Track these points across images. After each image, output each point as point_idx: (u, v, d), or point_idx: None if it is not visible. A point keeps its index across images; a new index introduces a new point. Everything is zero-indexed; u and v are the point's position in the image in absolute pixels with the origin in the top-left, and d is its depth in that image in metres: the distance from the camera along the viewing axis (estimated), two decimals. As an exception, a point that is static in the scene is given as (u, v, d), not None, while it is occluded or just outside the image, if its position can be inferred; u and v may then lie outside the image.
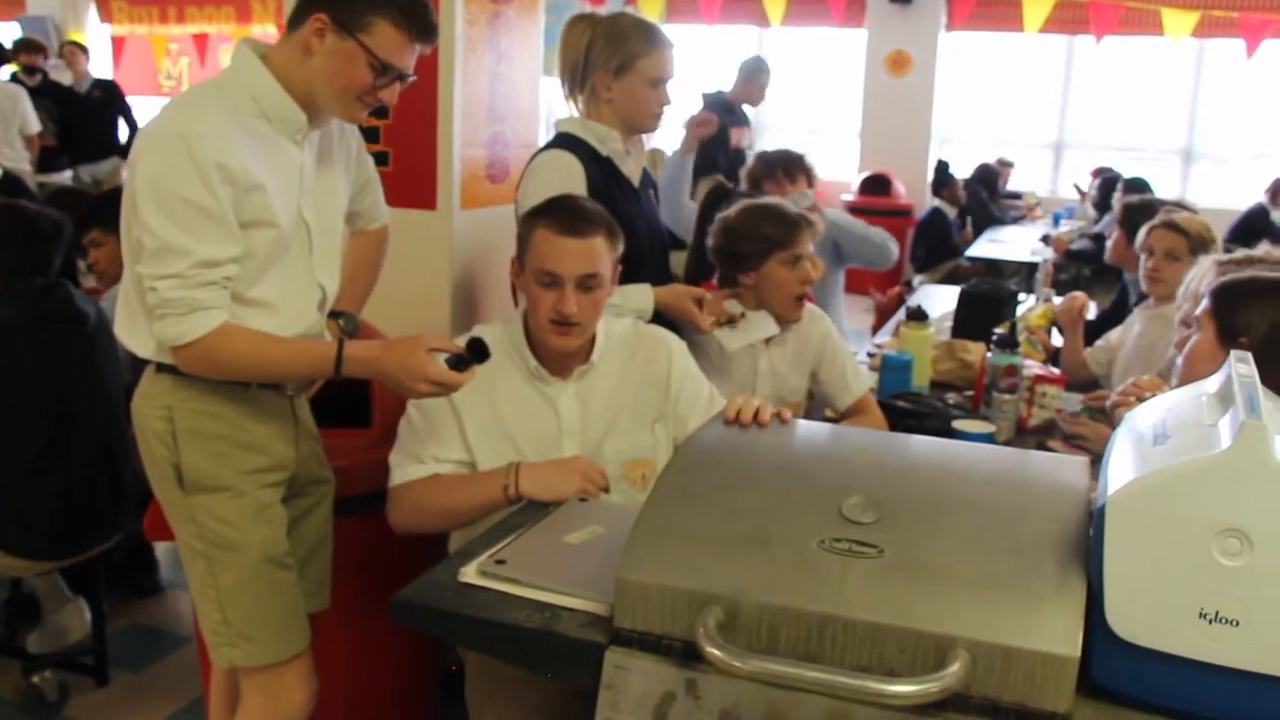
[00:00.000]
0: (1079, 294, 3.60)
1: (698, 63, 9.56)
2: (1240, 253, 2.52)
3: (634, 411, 2.24)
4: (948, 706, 1.25)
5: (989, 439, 2.54)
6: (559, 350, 2.17)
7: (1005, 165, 9.54)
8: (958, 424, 2.60)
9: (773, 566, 1.34)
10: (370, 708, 2.58)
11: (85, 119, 8.16)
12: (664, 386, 2.27)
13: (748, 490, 1.48)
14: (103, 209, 3.42)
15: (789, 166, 4.33)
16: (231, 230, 1.82)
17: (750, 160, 4.06)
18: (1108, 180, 7.53)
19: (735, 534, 1.39)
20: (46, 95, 7.92)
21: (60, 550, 2.87)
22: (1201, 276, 2.43)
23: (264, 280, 1.93)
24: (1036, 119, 10.24)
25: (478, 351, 1.94)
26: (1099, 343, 3.54)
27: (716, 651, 1.28)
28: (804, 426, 1.78)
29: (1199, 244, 3.26)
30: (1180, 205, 4.01)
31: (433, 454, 2.14)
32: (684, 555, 1.38)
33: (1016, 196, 9.42)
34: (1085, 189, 8.70)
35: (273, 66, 1.91)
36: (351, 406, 2.45)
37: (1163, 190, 7.17)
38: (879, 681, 1.24)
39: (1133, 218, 3.84)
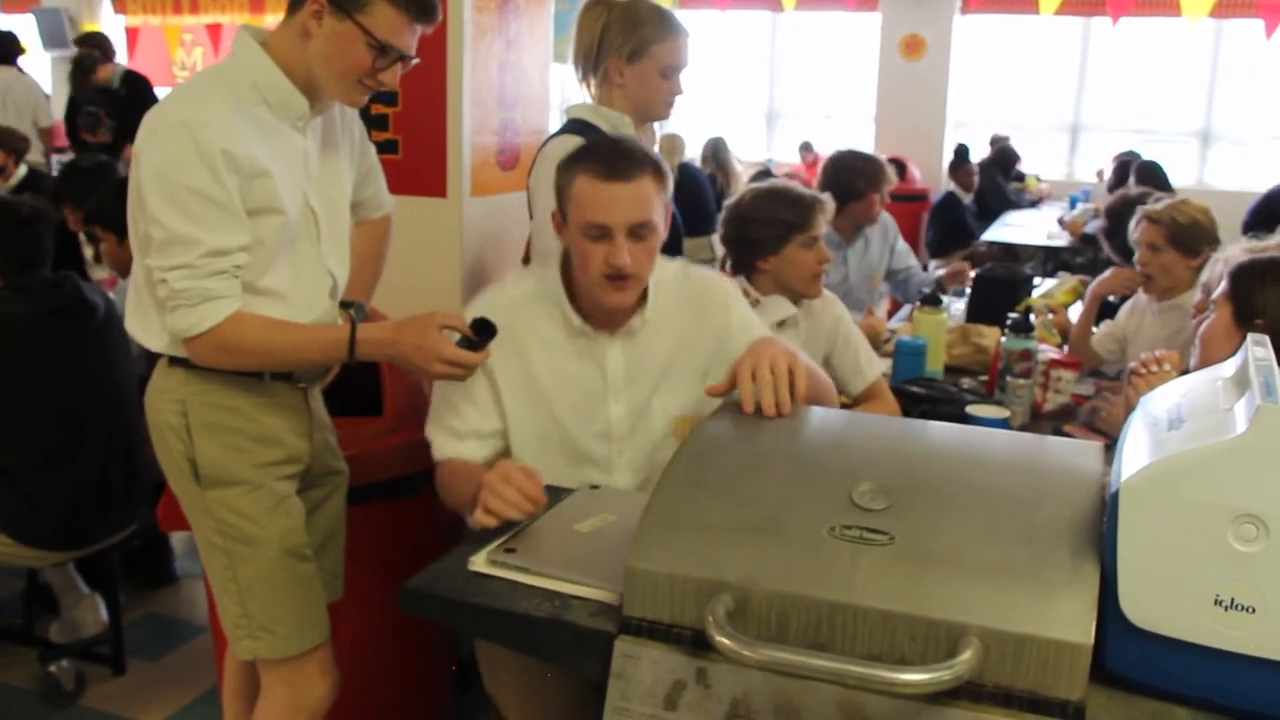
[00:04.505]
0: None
1: (710, 48, 9.52)
2: (1256, 243, 2.50)
3: (686, 365, 2.10)
4: (960, 695, 1.24)
5: (1003, 424, 2.52)
6: (614, 306, 2.02)
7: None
8: (972, 409, 2.58)
9: (783, 554, 1.33)
10: (386, 698, 2.58)
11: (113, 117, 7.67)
12: (723, 338, 2.11)
13: (758, 477, 1.47)
14: (102, 206, 3.43)
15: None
16: (239, 218, 1.82)
17: None
18: (1123, 164, 7.46)
19: (745, 522, 1.38)
20: (99, 93, 7.77)
21: (74, 541, 2.88)
22: (1215, 265, 2.42)
23: (274, 269, 1.92)
24: (1052, 102, 10.16)
25: (485, 331, 1.92)
26: (1103, 328, 3.47)
27: (726, 640, 1.27)
28: (816, 413, 1.77)
29: (1176, 230, 3.13)
30: (1161, 193, 3.93)
31: (471, 427, 2.04)
32: (694, 543, 1.37)
33: (1020, 179, 9.34)
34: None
35: (273, 52, 1.89)
36: (363, 395, 2.45)
37: (1180, 172, 7.10)
38: (890, 670, 1.22)
39: (1112, 222, 3.79)
